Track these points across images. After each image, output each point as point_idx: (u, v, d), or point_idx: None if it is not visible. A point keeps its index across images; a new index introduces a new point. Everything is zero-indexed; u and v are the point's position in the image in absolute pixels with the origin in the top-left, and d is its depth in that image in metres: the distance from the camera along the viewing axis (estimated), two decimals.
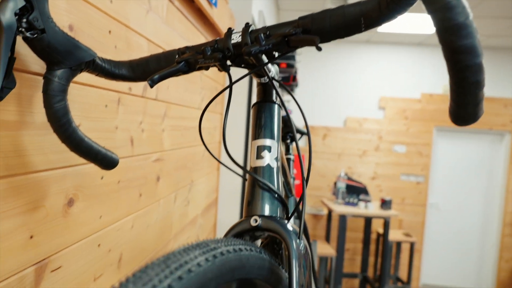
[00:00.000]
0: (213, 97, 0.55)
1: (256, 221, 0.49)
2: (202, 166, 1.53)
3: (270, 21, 2.97)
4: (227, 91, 0.53)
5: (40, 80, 0.50)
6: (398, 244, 4.40)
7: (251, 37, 0.48)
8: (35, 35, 0.45)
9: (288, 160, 1.17)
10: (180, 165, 1.24)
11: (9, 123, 0.49)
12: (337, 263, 3.67)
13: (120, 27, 0.76)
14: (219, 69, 0.53)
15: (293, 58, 2.48)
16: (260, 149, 0.54)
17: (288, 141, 1.17)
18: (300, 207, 0.53)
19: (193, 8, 1.23)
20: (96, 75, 0.55)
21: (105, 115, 0.72)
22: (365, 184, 4.30)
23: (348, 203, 3.94)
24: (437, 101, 4.64)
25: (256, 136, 0.55)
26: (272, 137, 0.55)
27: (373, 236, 4.59)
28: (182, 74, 0.54)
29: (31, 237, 0.54)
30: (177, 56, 0.54)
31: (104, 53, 0.70)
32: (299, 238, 0.47)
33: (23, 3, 0.44)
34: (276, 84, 0.59)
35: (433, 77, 4.65)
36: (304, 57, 4.72)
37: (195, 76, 1.36)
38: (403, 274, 4.59)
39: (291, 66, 2.50)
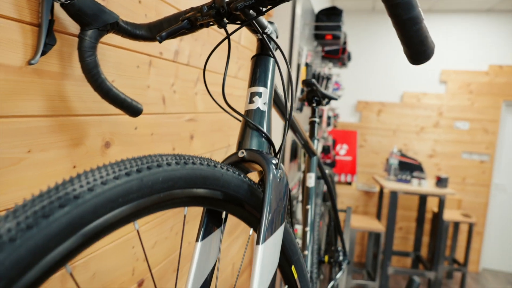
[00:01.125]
0: (211, 50, 0.63)
1: (242, 153, 0.57)
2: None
3: None
4: (227, 45, 0.61)
5: (77, 40, 0.63)
6: (456, 224, 4.22)
7: None
8: (68, 1, 0.57)
9: (313, 122, 1.22)
10: (216, 128, 1.35)
11: (53, 73, 0.62)
12: (387, 240, 3.64)
13: None
14: (218, 26, 0.62)
15: (338, 28, 2.45)
16: (252, 95, 0.62)
17: (314, 104, 1.23)
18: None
19: None
20: (122, 36, 0.67)
21: (137, 75, 0.85)
22: (421, 162, 4.14)
23: (400, 180, 3.85)
24: (508, 73, 4.26)
25: (250, 85, 0.63)
26: (264, 86, 0.63)
27: (429, 216, 4.44)
28: (187, 31, 0.63)
29: (74, 167, 0.68)
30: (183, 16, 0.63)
31: (134, 21, 0.82)
32: (276, 168, 0.55)
33: None
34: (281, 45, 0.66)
35: (503, 46, 4.26)
36: (358, 30, 4.58)
37: (234, 49, 1.45)
38: (460, 256, 4.40)
39: (337, 37, 2.48)
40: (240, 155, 0.57)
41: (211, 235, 0.55)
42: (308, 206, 1.11)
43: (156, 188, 0.38)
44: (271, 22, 0.68)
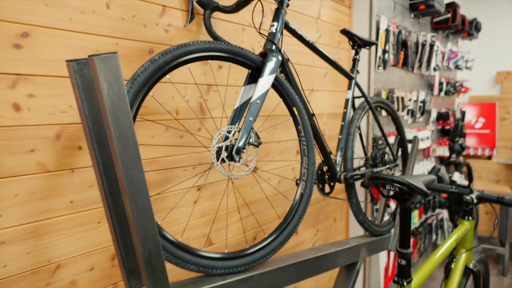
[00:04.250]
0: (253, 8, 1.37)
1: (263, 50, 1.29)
2: (325, 84, 2.28)
3: None
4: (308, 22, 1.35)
5: (202, 16, 1.47)
6: None
7: None
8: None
9: (354, 59, 1.80)
10: (300, 73, 2.05)
11: (193, 31, 1.48)
12: None
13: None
14: None
15: None
16: (271, 25, 1.33)
17: (356, 47, 1.79)
18: None
19: None
20: (221, 12, 1.48)
21: (235, 35, 1.66)
22: None
23: None
24: None
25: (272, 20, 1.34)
26: (276, 21, 1.33)
27: None
28: (244, 3, 1.39)
29: (205, 73, 1.53)
30: None
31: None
32: (275, 52, 1.24)
33: None
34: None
35: None
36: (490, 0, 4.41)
37: (312, 21, 2.13)
38: None
39: (430, 6, 2.79)
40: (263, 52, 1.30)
41: (249, 85, 1.29)
42: (345, 110, 1.70)
43: (216, 50, 1.16)
44: None
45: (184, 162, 1.47)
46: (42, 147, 1.08)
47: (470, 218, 1.42)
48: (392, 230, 1.98)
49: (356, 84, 1.76)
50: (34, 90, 1.05)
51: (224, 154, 1.11)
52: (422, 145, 3.13)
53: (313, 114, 1.48)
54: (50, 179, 1.10)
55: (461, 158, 4.23)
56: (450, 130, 3.85)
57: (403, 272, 1.18)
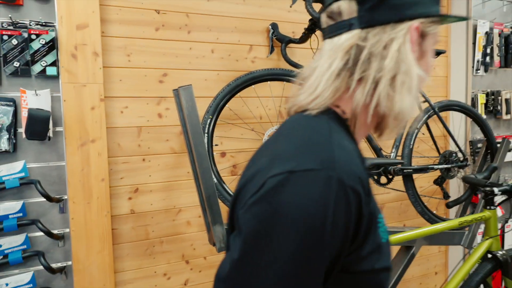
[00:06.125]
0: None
1: None
2: None
3: None
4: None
5: (279, 48, 2.03)
6: None
7: None
8: (276, 36, 2.00)
9: None
10: None
11: (274, 59, 2.06)
12: None
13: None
14: (312, 34, 1.84)
15: None
16: None
17: None
18: None
19: None
20: (294, 43, 2.01)
21: (309, 58, 2.15)
22: None
23: None
24: None
25: None
26: None
27: None
28: (305, 36, 1.88)
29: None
30: None
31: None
32: None
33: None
34: None
35: None
36: None
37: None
38: None
39: None
40: None
41: None
42: None
43: (272, 74, 1.71)
44: None
45: None
46: (173, 138, 1.85)
47: (492, 207, 1.49)
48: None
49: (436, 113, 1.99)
50: (169, 105, 1.83)
51: None
52: None
53: None
54: (176, 158, 1.86)
55: None
56: None
57: None
